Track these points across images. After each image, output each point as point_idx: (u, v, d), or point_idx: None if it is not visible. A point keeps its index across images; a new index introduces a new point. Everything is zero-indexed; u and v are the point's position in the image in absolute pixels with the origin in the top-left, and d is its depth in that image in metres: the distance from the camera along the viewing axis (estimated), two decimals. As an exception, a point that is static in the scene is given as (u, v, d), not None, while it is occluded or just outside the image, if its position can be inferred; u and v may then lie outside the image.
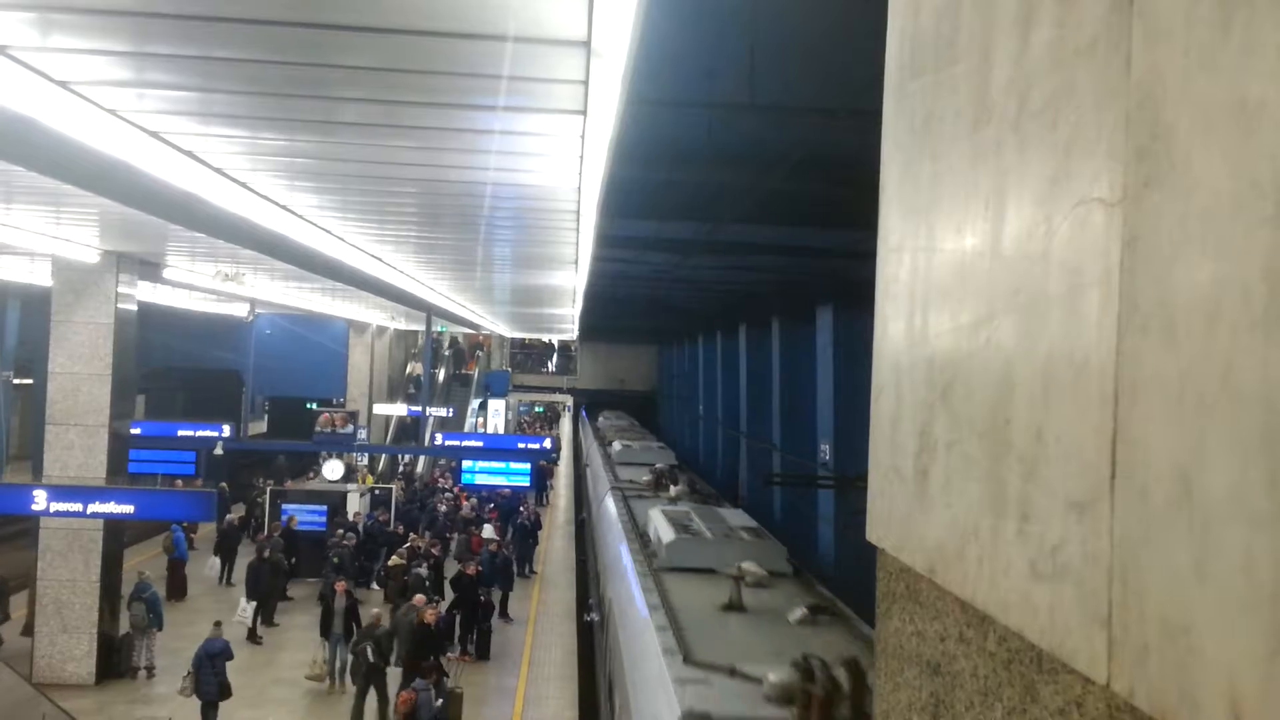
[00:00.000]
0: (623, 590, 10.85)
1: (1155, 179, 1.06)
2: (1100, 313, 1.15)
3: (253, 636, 17.41)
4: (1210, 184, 0.98)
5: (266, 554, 18.69)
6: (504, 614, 19.26)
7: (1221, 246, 0.96)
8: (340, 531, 21.00)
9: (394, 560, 19.47)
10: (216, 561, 21.39)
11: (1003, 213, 1.42)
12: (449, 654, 14.94)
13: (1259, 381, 0.90)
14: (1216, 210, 0.96)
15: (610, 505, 16.20)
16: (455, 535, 23.08)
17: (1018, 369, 1.36)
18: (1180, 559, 1.01)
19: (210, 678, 13.37)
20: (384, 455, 33.16)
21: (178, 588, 20.01)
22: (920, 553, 1.72)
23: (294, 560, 20.68)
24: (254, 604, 17.51)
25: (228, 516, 23.27)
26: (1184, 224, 1.01)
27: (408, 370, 42.74)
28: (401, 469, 33.15)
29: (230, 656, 13.77)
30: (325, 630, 15.83)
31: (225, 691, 13.43)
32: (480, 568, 18.58)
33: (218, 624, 14.51)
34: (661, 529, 11.55)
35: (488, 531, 22.64)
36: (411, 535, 22.00)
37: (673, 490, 15.84)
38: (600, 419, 37.21)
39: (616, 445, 25.34)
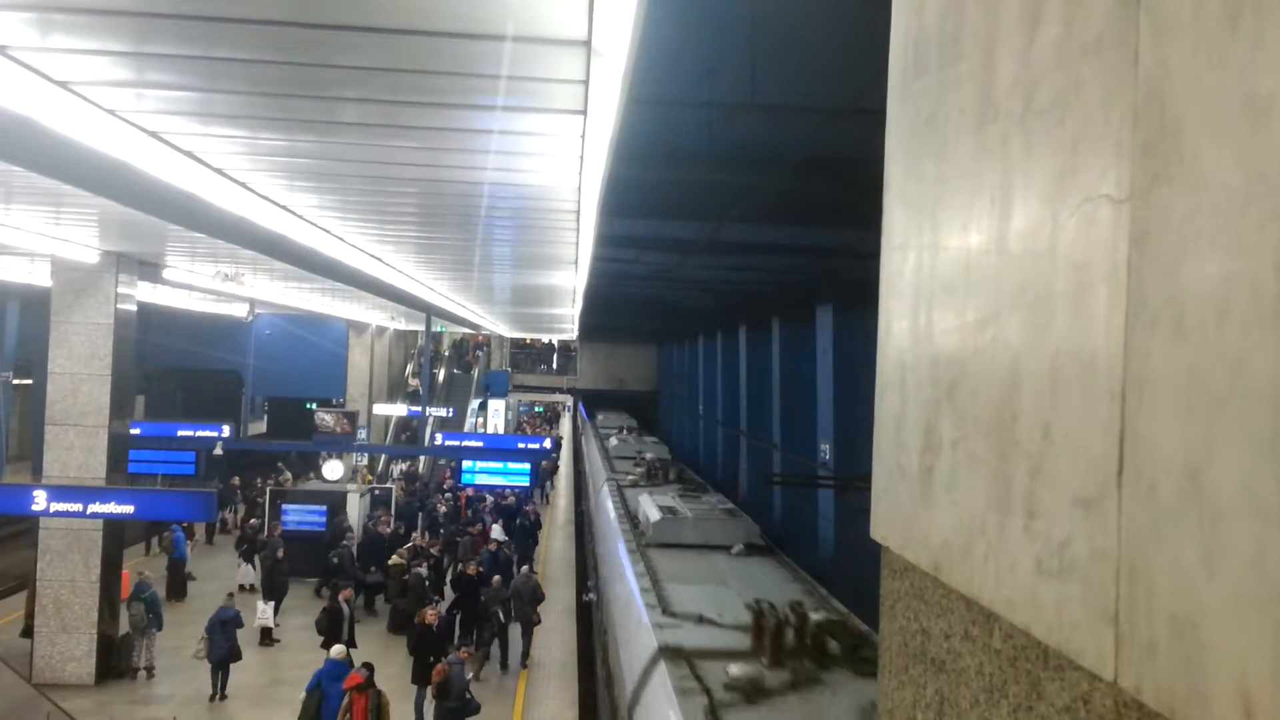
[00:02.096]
0: (594, 464, 26.09)
1: (1164, 174, 1.06)
2: (1108, 309, 1.15)
3: (267, 638, 17.37)
4: (1219, 179, 0.97)
5: (280, 554, 18.69)
6: (507, 613, 19.30)
7: (1231, 241, 0.96)
8: (350, 534, 21.15)
9: (394, 559, 19.47)
10: (250, 569, 20.98)
11: (1009, 210, 1.42)
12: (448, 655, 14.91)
13: (1269, 377, 0.90)
14: (1226, 205, 0.96)
15: (594, 442, 30.48)
16: (462, 538, 23.08)
17: (1024, 366, 1.36)
18: (1189, 555, 1.01)
19: (222, 642, 14.83)
20: (383, 455, 33.15)
21: (178, 588, 20.00)
22: (925, 550, 1.72)
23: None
24: (272, 604, 17.49)
25: (252, 520, 23.09)
26: (1193, 219, 1.01)
27: (406, 381, 42.63)
28: (402, 471, 33.12)
29: (240, 624, 15.26)
30: (332, 643, 15.53)
31: (235, 654, 15.02)
32: (481, 568, 18.57)
33: (230, 595, 16.13)
34: (613, 448, 26.69)
35: (496, 532, 22.72)
36: (413, 535, 22.00)
37: (624, 432, 31.97)
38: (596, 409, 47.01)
39: (601, 417, 39.12)
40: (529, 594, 17.41)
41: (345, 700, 11.91)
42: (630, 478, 19.42)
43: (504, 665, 16.77)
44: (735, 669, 6.75)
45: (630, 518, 14.36)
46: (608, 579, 12.65)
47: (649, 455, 23.44)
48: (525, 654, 17.18)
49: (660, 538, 12.17)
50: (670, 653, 7.62)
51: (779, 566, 11.62)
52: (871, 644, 8.08)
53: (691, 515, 12.81)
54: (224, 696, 14.92)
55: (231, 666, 15.18)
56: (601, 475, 21.56)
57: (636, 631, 9.05)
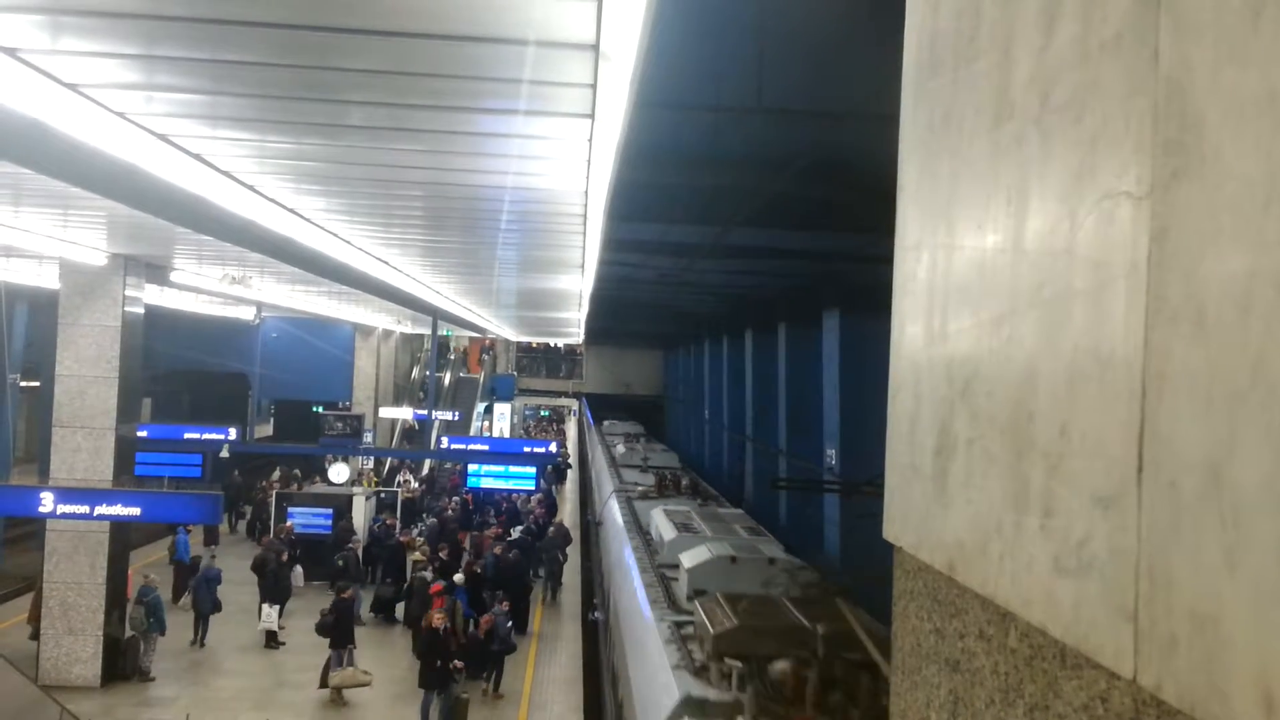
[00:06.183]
0: (597, 457, 31.35)
1: (1184, 171, 1.06)
2: (1127, 306, 1.15)
3: (272, 641, 17.36)
4: (1241, 175, 0.97)
5: (285, 556, 18.69)
6: (564, 554, 22.54)
7: (1253, 237, 0.95)
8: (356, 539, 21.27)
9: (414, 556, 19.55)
10: (299, 570, 20.83)
11: (1025, 208, 1.42)
12: (456, 660, 14.87)
13: (1292, 372, 0.90)
14: (1248, 201, 0.96)
15: (595, 437, 34.35)
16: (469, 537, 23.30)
17: (1041, 364, 1.36)
18: (1210, 551, 1.00)
19: (207, 596, 17.10)
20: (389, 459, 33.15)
21: (183, 591, 19.97)
22: (939, 550, 1.72)
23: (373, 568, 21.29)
24: (276, 607, 17.48)
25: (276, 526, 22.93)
26: (1214, 215, 1.01)
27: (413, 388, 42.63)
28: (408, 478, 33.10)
29: (220, 581, 17.48)
30: (342, 641, 15.48)
31: (217, 607, 17.30)
32: (484, 569, 18.59)
33: (213, 555, 18.53)
34: (617, 447, 29.88)
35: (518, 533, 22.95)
36: (419, 540, 22.00)
37: (619, 427, 37.05)
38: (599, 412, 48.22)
39: (622, 451, 39.28)
40: (560, 540, 22.40)
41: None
42: (640, 489, 21.01)
43: (559, 586, 21.65)
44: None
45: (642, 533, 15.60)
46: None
47: (655, 459, 26.66)
48: (558, 584, 21.62)
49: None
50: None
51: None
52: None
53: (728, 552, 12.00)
54: (203, 644, 17.08)
55: (234, 669, 16.22)
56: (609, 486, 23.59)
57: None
